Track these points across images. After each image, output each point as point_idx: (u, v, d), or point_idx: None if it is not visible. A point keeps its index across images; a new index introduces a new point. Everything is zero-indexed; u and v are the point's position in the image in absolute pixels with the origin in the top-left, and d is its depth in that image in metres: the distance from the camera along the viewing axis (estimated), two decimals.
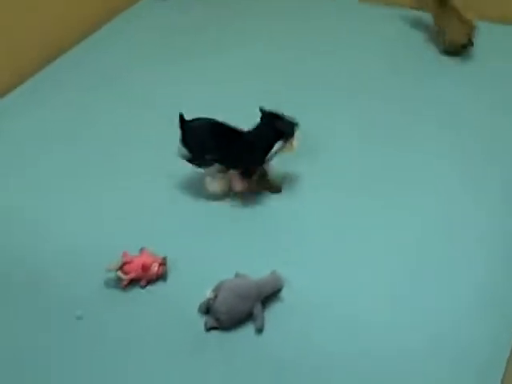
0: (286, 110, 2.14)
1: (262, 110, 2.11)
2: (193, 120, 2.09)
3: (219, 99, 2.63)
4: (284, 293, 1.80)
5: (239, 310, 1.72)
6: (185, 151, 2.05)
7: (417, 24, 3.16)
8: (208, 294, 1.73)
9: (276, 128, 2.07)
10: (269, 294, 1.77)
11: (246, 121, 2.12)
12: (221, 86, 2.76)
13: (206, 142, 2.06)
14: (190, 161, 2.10)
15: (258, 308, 1.73)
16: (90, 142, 2.47)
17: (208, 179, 2.14)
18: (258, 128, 2.10)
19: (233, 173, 2.12)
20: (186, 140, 2.07)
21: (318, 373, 1.62)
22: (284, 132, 2.07)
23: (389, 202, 2.15)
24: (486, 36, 2.91)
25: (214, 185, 2.13)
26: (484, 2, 3.06)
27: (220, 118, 2.12)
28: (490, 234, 2.01)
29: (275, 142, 2.09)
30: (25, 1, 2.76)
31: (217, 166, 2.12)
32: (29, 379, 1.63)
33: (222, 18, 3.31)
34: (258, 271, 1.81)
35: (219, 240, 2.02)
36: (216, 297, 1.71)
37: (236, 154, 2.09)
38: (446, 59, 2.89)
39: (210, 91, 2.72)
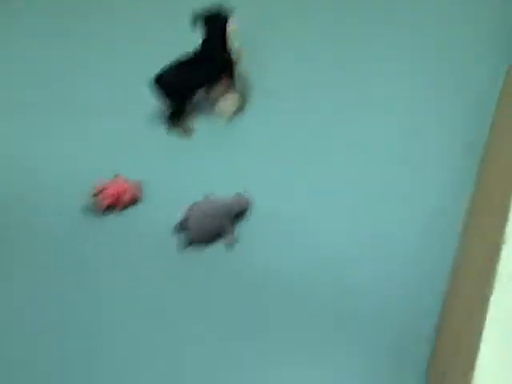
0: None
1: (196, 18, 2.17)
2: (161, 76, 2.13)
3: None
4: (249, 212, 1.96)
5: (210, 229, 1.87)
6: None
7: None
8: (180, 214, 1.88)
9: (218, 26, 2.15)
10: (236, 213, 1.93)
11: None
12: None
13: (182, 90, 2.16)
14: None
15: (228, 226, 1.89)
16: (61, 78, 2.50)
17: (221, 102, 2.23)
18: (205, 41, 2.16)
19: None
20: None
21: (277, 286, 1.80)
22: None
23: (351, 121, 2.27)
24: None
25: (228, 104, 2.24)
26: None
27: None
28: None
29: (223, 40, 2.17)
30: None
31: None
32: (19, 294, 1.79)
33: None
34: (225, 192, 1.96)
35: (189, 163, 2.13)
36: (188, 217, 1.86)
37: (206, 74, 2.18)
38: None
39: None
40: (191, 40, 2.17)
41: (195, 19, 2.16)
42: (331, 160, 2.14)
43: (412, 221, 1.94)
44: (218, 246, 1.89)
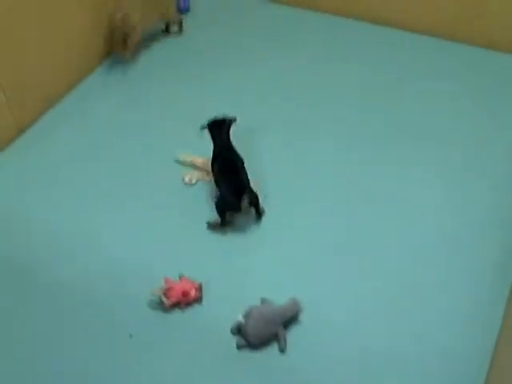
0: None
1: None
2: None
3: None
4: (301, 316, 2.14)
5: (266, 333, 2.06)
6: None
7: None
8: (240, 318, 2.07)
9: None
10: (289, 318, 2.11)
11: None
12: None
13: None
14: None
15: (281, 331, 2.07)
16: (121, 162, 2.75)
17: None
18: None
19: None
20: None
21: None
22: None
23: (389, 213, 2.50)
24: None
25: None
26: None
27: None
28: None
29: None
30: None
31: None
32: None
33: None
34: (278, 294, 2.15)
35: (244, 264, 2.34)
36: (246, 322, 2.05)
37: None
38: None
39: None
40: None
41: (203, 126, 2.50)
42: (380, 259, 2.35)
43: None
44: (272, 349, 2.08)
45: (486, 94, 3.09)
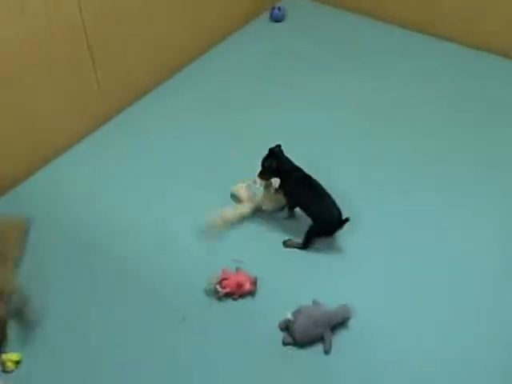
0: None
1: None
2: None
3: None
4: (351, 322, 2.15)
5: (312, 334, 2.09)
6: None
7: None
8: (288, 315, 2.11)
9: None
10: (338, 323, 2.13)
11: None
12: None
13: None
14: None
15: (327, 333, 2.10)
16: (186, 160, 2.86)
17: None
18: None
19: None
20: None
21: None
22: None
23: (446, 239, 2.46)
24: None
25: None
26: None
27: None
28: None
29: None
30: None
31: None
32: (134, 362, 2.10)
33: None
34: (332, 300, 2.18)
35: (302, 266, 2.38)
36: (295, 320, 2.09)
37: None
38: None
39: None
40: None
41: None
42: (428, 278, 2.32)
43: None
44: (317, 349, 2.10)
45: None
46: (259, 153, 2.45)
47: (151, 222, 2.56)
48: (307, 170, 2.45)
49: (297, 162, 2.46)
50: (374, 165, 2.81)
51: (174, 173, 2.78)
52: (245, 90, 3.25)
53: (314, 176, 2.43)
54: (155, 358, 2.11)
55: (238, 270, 2.30)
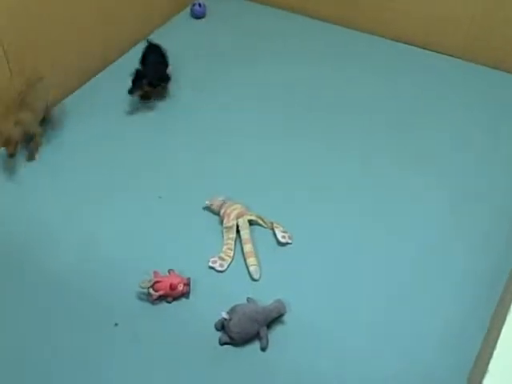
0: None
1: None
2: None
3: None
4: (286, 317, 2.17)
5: (249, 331, 2.09)
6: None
7: None
8: (224, 314, 2.10)
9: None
10: (273, 319, 2.14)
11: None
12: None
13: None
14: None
15: (263, 330, 2.10)
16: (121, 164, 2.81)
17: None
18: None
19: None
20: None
21: None
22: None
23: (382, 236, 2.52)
24: None
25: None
26: None
27: None
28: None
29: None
30: None
31: None
32: (67, 370, 2.03)
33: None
34: (266, 296, 2.19)
35: (234, 264, 2.36)
36: (231, 318, 2.08)
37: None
38: None
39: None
40: None
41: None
42: (361, 273, 2.37)
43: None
44: (254, 347, 2.11)
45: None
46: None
47: (78, 229, 2.49)
48: None
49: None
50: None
51: (101, 171, 2.73)
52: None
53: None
54: (89, 364, 2.05)
55: (170, 271, 2.26)
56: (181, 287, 2.21)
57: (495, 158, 2.88)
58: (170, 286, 2.19)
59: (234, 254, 2.38)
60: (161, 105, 3.11)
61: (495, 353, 1.72)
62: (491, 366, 1.69)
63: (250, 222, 2.49)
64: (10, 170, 2.69)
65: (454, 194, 2.69)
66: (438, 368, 2.07)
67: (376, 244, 2.48)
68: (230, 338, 2.09)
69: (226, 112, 3.08)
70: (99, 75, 3.26)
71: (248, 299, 2.18)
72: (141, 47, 3.11)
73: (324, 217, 2.58)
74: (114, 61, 3.35)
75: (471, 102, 3.20)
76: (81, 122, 2.97)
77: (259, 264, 2.35)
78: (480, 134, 3.01)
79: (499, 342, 1.74)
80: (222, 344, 2.10)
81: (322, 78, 3.34)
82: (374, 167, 2.82)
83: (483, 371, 1.70)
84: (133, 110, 3.05)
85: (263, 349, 2.09)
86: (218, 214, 2.52)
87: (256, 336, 2.11)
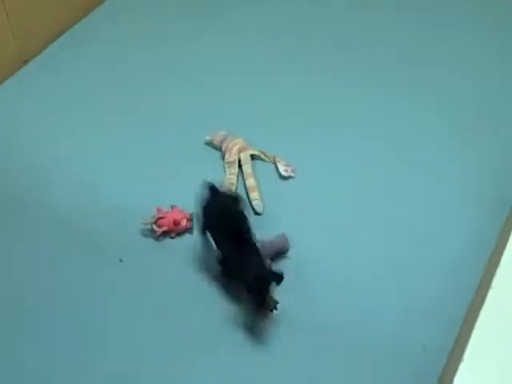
0: None
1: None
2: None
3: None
4: (289, 252, 2.17)
5: None
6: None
7: None
8: None
9: None
10: (276, 253, 2.14)
11: None
12: None
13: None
14: None
15: (267, 264, 2.10)
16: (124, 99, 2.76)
17: None
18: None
19: None
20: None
21: (312, 327, 2.00)
22: None
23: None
24: None
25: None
26: None
27: None
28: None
29: None
30: None
31: None
32: (72, 308, 2.06)
33: None
34: (268, 231, 2.16)
35: None
36: None
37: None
38: None
39: None
40: None
41: None
42: (369, 209, 2.34)
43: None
44: None
45: None
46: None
47: (77, 169, 2.48)
48: None
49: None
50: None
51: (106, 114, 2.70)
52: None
53: None
54: (94, 301, 2.08)
55: (173, 207, 2.25)
56: (184, 223, 2.21)
57: None
58: (174, 221, 2.19)
59: (236, 188, 2.36)
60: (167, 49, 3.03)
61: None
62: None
63: (252, 157, 2.46)
64: None
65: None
66: (441, 300, 2.07)
67: (384, 179, 2.43)
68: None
69: (229, 47, 3.01)
70: None
71: None
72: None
73: (329, 152, 2.54)
74: None
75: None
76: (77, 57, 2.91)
77: (262, 198, 2.33)
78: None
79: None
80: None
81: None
82: (385, 102, 2.76)
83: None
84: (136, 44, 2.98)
85: None
86: (219, 149, 2.49)
87: None
